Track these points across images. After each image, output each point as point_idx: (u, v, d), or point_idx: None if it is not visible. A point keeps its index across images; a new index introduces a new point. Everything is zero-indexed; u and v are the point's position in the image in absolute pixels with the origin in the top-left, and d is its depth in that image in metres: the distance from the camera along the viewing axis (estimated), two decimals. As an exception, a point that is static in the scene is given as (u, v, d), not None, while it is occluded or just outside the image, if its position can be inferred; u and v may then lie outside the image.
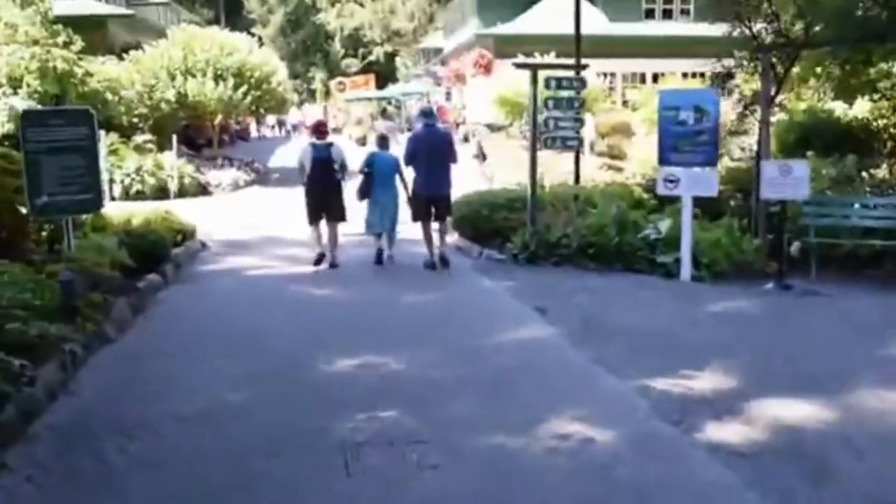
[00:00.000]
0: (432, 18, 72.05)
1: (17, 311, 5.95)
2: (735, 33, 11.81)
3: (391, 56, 75.26)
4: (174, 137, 19.14)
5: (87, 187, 7.56)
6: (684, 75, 31.03)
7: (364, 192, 10.23)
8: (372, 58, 75.23)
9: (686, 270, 9.12)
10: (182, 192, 19.09)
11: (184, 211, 15.00)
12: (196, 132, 24.56)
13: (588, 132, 21.97)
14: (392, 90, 44.63)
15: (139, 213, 10.98)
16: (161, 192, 18.79)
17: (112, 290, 7.69)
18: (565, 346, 6.52)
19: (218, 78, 20.64)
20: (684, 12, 36.09)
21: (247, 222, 14.41)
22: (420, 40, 68.76)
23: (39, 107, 17.86)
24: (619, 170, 21.94)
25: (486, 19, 35.23)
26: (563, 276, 9.35)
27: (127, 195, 18.27)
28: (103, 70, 20.85)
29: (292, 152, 32.26)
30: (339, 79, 58.91)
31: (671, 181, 9.05)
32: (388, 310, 7.84)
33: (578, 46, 13.45)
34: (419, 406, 5.10)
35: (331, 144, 10.18)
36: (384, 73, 64.65)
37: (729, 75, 12.38)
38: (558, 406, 5.09)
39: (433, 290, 8.82)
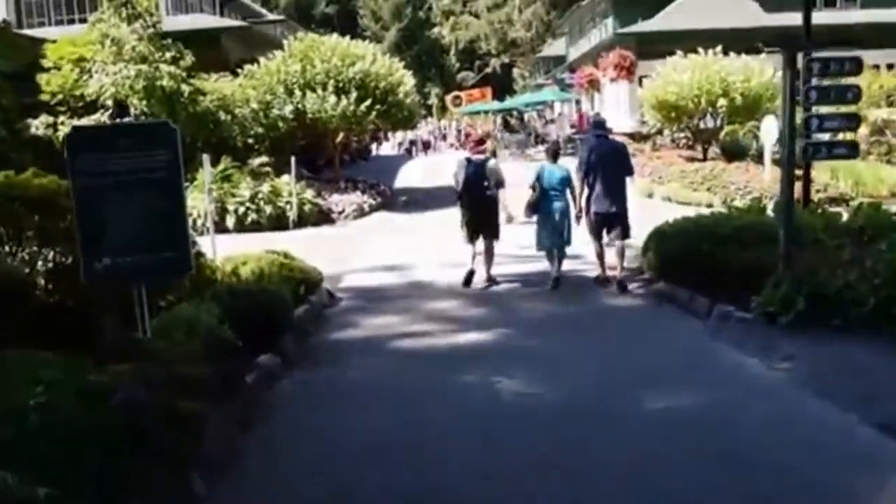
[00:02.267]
0: (549, 26, 69.20)
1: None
2: None
3: (508, 67, 72.81)
4: (293, 159, 16.85)
5: (168, 242, 4.95)
6: (876, 67, 26.89)
7: (533, 208, 9.60)
8: (488, 70, 72.99)
9: None
10: (302, 221, 16.79)
11: (305, 246, 12.65)
12: (315, 152, 22.34)
13: (770, 136, 18.48)
14: (516, 100, 41.79)
15: (251, 256, 8.47)
16: (278, 222, 16.55)
17: (207, 391, 5.09)
18: None
19: (339, 91, 18.30)
20: (849, -1, 31.89)
21: (380, 260, 11.79)
22: (538, 49, 66.02)
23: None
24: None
25: (622, 19, 32.03)
26: (871, 353, 6.13)
27: (242, 226, 16.12)
28: (216, 87, 18.93)
29: (416, 172, 29.97)
30: (455, 93, 56.68)
31: None
32: (628, 438, 4.80)
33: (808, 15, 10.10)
34: None
35: (486, 160, 9.78)
36: (501, 85, 62.31)
37: None
38: None
39: (683, 385, 5.74)
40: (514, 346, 6.92)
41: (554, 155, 9.99)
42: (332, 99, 18.02)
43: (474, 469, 4.32)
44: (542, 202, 9.45)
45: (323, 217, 17.61)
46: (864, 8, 31.22)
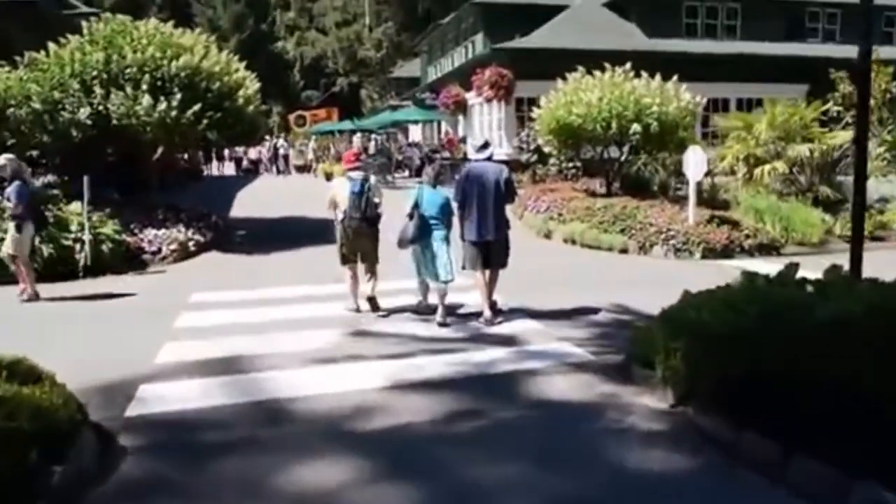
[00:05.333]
0: (401, 47, 66.45)
1: None
2: None
3: (356, 87, 69.12)
4: (85, 179, 12.01)
5: None
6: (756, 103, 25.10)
7: (411, 238, 8.54)
8: (335, 89, 68.91)
9: None
10: (99, 266, 12.03)
11: (85, 313, 8.26)
12: (131, 171, 17.30)
13: (697, 170, 15.52)
14: (376, 119, 37.78)
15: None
16: (63, 267, 11.73)
17: None
18: None
19: (158, 90, 13.67)
20: (729, 29, 30.29)
21: (206, 345, 7.43)
22: (389, 70, 62.90)
23: None
24: (734, 224, 15.47)
25: (493, 37, 29.01)
26: None
27: (2, 273, 11.20)
28: (-16, 79, 13.83)
29: (259, 197, 25.27)
30: (298, 112, 52.73)
31: None
32: None
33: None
34: None
35: (367, 177, 8.93)
36: (348, 106, 58.68)
37: None
38: None
39: None
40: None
41: (435, 178, 8.94)
42: (147, 100, 13.33)
43: None
44: (421, 231, 8.54)
45: (130, 260, 12.88)
46: (744, 40, 29.71)
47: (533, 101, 26.18)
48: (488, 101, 25.17)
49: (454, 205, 8.72)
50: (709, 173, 19.50)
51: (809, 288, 6.48)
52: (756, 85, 27.95)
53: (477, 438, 5.07)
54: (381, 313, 8.78)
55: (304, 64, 70.86)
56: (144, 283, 11.53)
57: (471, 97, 28.94)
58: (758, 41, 29.43)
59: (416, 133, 41.15)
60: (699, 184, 18.86)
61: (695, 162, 15.00)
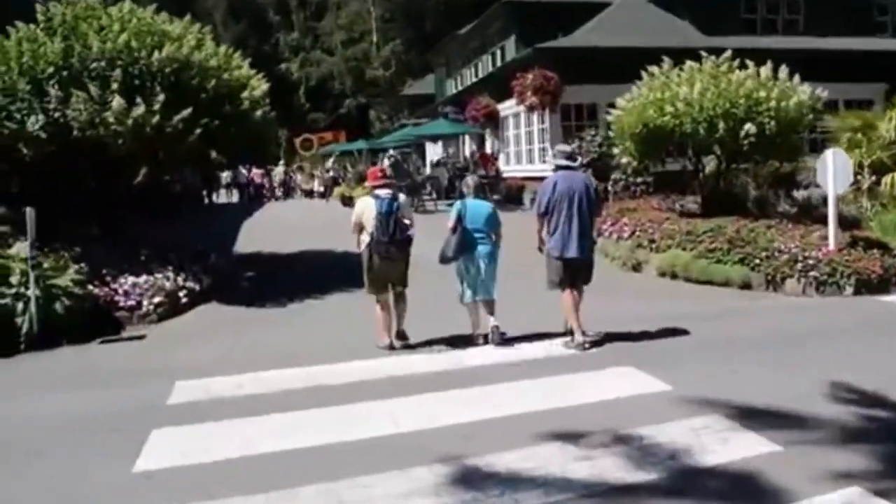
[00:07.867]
0: (410, 65, 63.53)
1: None
2: None
3: (364, 108, 66.15)
4: (29, 212, 8.57)
5: None
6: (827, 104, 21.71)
7: (455, 252, 7.85)
8: (342, 111, 65.94)
9: None
10: (52, 332, 8.57)
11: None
12: (110, 199, 13.69)
13: (840, 179, 12.00)
14: (401, 134, 34.39)
15: None
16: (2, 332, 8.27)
17: None
18: None
19: (134, 90, 10.27)
20: (790, 24, 26.88)
21: (173, 473, 3.92)
22: (399, 90, 59.87)
23: None
24: (884, 248, 11.93)
25: (527, 40, 25.66)
26: None
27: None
28: None
29: (270, 228, 21.76)
30: (305, 135, 49.72)
31: None
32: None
33: None
34: None
35: (396, 195, 8.01)
36: (356, 127, 55.72)
37: None
38: None
39: None
40: None
41: (478, 189, 8.32)
42: (118, 102, 9.86)
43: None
44: (465, 246, 7.86)
45: (100, 319, 9.37)
46: (806, 35, 26.31)
47: (580, 109, 22.95)
48: (531, 109, 21.68)
49: (499, 217, 8.20)
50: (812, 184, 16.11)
51: None
52: (826, 84, 24.57)
53: None
54: (406, 342, 7.98)
55: (309, 85, 67.94)
56: (110, 361, 7.98)
57: (504, 108, 25.59)
58: (822, 36, 26.07)
59: (433, 152, 37.81)
60: (808, 197, 15.44)
61: (836, 168, 11.48)
